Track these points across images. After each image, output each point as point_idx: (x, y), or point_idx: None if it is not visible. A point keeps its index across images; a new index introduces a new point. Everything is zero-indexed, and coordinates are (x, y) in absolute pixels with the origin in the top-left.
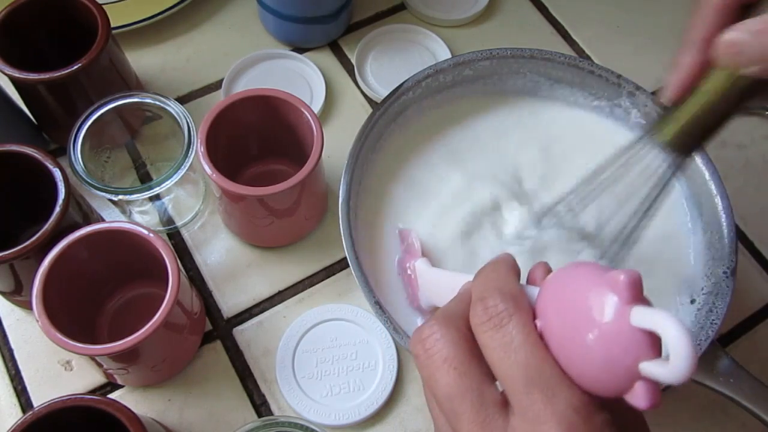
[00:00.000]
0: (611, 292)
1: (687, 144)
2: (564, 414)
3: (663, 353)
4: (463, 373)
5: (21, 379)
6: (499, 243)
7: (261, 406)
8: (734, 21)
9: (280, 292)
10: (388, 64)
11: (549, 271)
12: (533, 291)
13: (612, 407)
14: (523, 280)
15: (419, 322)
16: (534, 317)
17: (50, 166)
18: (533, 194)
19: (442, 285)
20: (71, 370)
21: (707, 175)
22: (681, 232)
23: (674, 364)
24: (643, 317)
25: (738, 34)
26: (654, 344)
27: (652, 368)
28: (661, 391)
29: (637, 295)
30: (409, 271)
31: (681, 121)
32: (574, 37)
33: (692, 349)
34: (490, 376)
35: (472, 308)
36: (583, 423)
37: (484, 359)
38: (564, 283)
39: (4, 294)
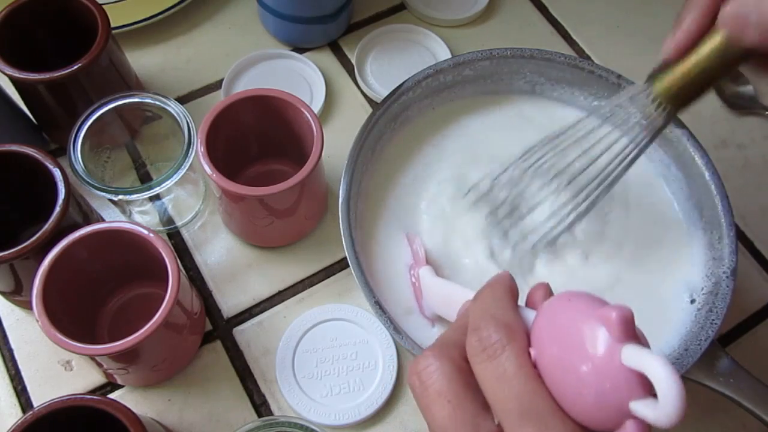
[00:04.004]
0: (604, 328)
1: (679, 99)
2: None
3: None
4: (457, 406)
5: (21, 379)
6: (498, 242)
7: (261, 406)
8: None
9: (280, 292)
10: (388, 64)
11: (549, 293)
12: (530, 315)
13: None
14: (516, 274)
15: (428, 327)
16: (529, 345)
17: (50, 166)
18: (534, 197)
19: (444, 297)
20: (71, 370)
21: (707, 175)
22: (681, 233)
23: (663, 407)
24: (632, 357)
25: (742, 8)
26: (645, 384)
27: (641, 408)
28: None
29: (629, 333)
30: (413, 279)
31: (678, 77)
32: (574, 37)
33: (681, 393)
34: (485, 408)
35: (468, 338)
36: None
37: (479, 390)
38: (559, 313)
39: (4, 294)
